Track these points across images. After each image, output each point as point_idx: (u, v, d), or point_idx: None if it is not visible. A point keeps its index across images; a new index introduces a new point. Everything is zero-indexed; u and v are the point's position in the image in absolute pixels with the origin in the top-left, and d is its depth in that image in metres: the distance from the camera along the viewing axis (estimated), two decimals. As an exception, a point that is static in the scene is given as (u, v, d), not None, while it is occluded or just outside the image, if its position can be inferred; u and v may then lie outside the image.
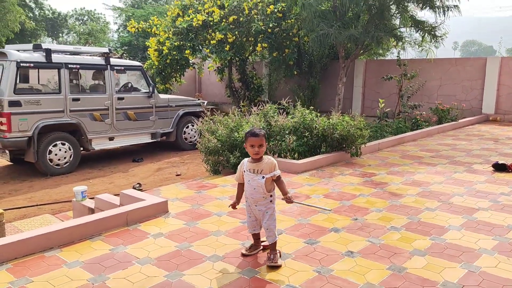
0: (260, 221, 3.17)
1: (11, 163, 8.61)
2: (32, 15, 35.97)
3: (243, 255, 3.22)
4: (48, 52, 7.60)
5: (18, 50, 7.62)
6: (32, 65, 7.48)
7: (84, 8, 48.59)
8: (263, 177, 3.02)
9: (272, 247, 3.11)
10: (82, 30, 40.91)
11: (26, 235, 3.34)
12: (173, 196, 4.73)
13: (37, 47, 7.74)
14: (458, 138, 8.67)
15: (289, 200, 3.07)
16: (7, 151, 7.44)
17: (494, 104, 11.61)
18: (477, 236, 3.55)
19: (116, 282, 2.86)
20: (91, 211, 4.81)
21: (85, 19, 47.41)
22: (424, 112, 10.60)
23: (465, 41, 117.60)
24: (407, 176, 5.57)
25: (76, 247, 3.41)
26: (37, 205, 6.11)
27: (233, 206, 3.27)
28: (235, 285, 2.80)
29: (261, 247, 3.29)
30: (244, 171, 3.12)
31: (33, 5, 38.06)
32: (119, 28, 35.71)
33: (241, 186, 3.23)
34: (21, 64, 7.28)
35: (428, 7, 10.97)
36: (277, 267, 3.02)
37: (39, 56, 7.61)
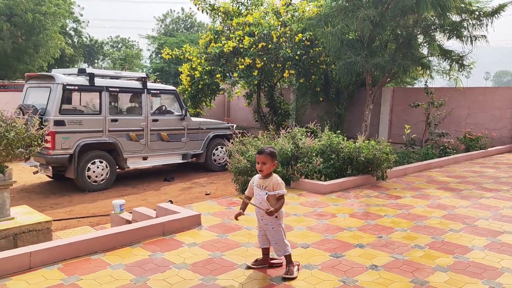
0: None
1: (51, 179, 9.13)
2: (71, 42, 37.90)
3: (248, 267, 3.37)
4: (92, 76, 8.17)
5: (64, 74, 8.23)
6: (76, 88, 8.05)
7: (119, 36, 50.96)
8: (266, 193, 3.23)
9: (287, 259, 3.26)
10: (117, 56, 42.80)
11: (73, 239, 3.67)
12: (205, 211, 5.00)
13: (81, 71, 8.34)
14: (486, 165, 8.65)
15: (269, 213, 3.16)
16: (50, 167, 7.93)
17: (524, 134, 11.48)
18: (501, 257, 3.64)
19: (156, 283, 3.11)
20: (128, 223, 5.12)
21: (119, 46, 49.67)
22: (452, 140, 10.60)
23: (498, 71, 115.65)
24: (432, 200, 5.66)
25: (118, 252, 3.70)
26: (76, 218, 6.50)
27: (236, 216, 3.40)
28: (265, 290, 3.01)
29: (268, 264, 3.40)
30: (254, 186, 3.35)
31: (72, 33, 40.10)
32: (151, 55, 37.28)
33: (248, 198, 3.41)
34: (67, 87, 7.86)
35: (455, 37, 11.14)
36: (291, 278, 3.15)
37: (83, 80, 8.18)
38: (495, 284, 3.10)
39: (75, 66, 38.57)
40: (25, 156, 4.30)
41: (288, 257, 3.27)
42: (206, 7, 13.81)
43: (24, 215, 4.60)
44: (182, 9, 43.18)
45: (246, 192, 3.47)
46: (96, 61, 49.18)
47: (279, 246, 3.26)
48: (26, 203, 6.59)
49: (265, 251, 3.42)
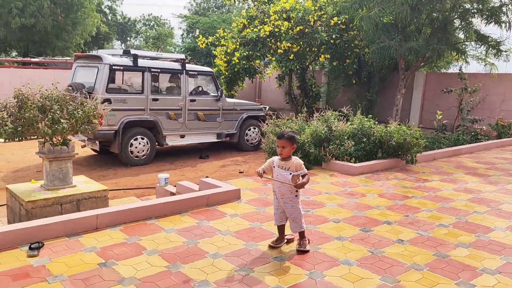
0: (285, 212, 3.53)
1: (96, 153, 9.80)
2: (105, 20, 38.73)
3: (271, 247, 3.55)
4: (135, 57, 8.66)
5: (109, 55, 8.75)
6: (122, 68, 8.57)
7: (151, 14, 51.60)
8: (290, 173, 3.41)
9: (300, 235, 3.52)
10: (150, 34, 43.50)
11: (132, 206, 4.18)
12: (243, 187, 5.42)
13: (126, 52, 8.83)
14: (517, 153, 8.72)
15: (298, 185, 3.38)
16: (97, 142, 8.54)
17: (560, 122, 11.30)
18: (521, 237, 3.91)
19: (205, 246, 3.57)
20: (172, 195, 5.62)
21: (151, 24, 50.38)
22: (484, 127, 10.61)
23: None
24: (459, 184, 5.89)
25: (169, 219, 4.19)
26: (123, 189, 7.08)
27: (261, 173, 3.45)
28: (301, 256, 3.42)
29: (285, 241, 3.63)
30: (274, 166, 3.49)
31: (107, 11, 40.93)
32: (183, 34, 37.76)
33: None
34: (113, 67, 8.38)
35: (493, 22, 10.98)
36: (305, 251, 3.44)
37: (127, 60, 8.68)
38: (512, 261, 3.40)
39: (110, 43, 39.55)
40: (88, 131, 4.82)
41: (302, 233, 3.52)
42: None
43: (83, 183, 5.15)
44: (214, -13, 43.02)
45: (262, 167, 3.52)
46: (128, 38, 50.19)
47: (296, 223, 3.48)
48: (75, 174, 7.22)
49: (281, 229, 3.61)
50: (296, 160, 3.47)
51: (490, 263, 3.34)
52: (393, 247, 3.60)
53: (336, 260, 3.36)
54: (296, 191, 3.47)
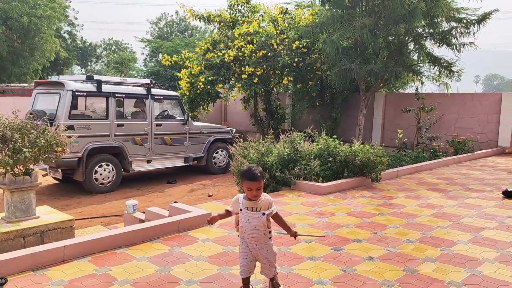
0: (255, 260, 3.13)
1: (58, 182, 9.47)
2: (65, 45, 38.00)
3: None
4: (99, 83, 8.55)
5: (72, 81, 8.58)
6: (85, 94, 8.42)
7: (112, 38, 51.13)
8: (264, 214, 2.97)
9: (274, 279, 3.18)
10: (111, 58, 42.97)
11: (100, 235, 4.06)
12: (214, 210, 5.38)
13: (89, 78, 8.70)
14: (473, 168, 9.16)
15: (295, 236, 3.14)
16: (59, 170, 8.27)
17: (510, 137, 12.03)
18: (482, 249, 4.10)
19: (179, 273, 3.52)
20: (141, 222, 5.50)
21: (112, 48, 49.89)
22: (441, 144, 11.12)
23: (487, 75, 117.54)
24: (422, 200, 6.12)
25: (140, 247, 4.10)
26: (89, 218, 6.86)
27: (212, 220, 3.04)
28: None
29: None
30: (241, 209, 3.02)
31: (66, 36, 40.23)
32: (146, 58, 37.58)
33: (228, 213, 3.10)
34: (76, 93, 8.22)
35: (445, 45, 11.69)
36: None
37: (91, 86, 8.55)
38: (476, 272, 3.55)
39: (69, 68, 38.78)
40: (52, 160, 4.69)
41: (275, 277, 3.24)
42: (202, 18, 14.29)
43: (47, 214, 4.96)
44: (177, 12, 43.29)
45: (231, 209, 3.08)
46: (89, 63, 49.37)
47: (272, 267, 3.14)
48: (38, 205, 6.94)
49: (247, 281, 3.17)
50: (266, 197, 3.03)
51: (456, 275, 3.48)
52: (364, 265, 3.69)
53: (310, 280, 3.39)
54: (270, 232, 3.09)
